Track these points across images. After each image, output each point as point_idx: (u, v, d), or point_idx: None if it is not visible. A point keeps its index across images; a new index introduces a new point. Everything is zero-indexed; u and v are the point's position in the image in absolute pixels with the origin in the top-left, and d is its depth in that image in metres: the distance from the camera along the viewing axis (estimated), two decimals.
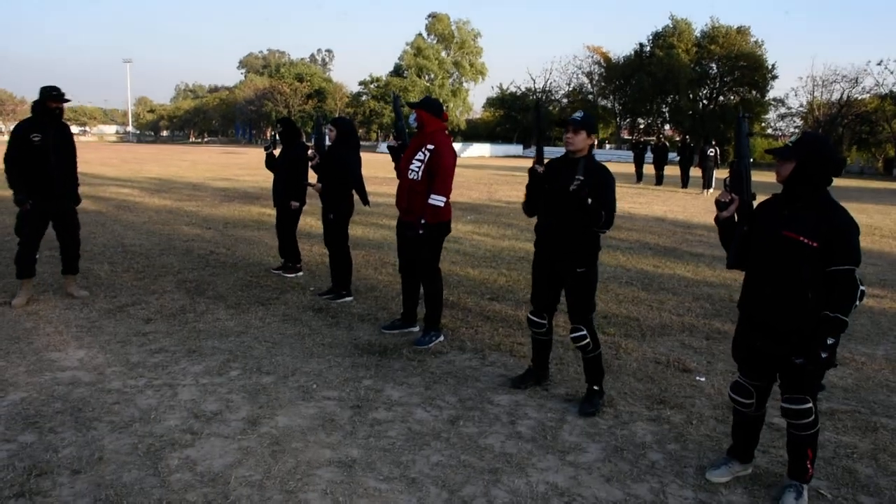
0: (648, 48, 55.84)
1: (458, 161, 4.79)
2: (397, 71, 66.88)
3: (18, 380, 3.93)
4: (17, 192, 5.32)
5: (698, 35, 54.50)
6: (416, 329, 5.06)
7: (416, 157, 4.61)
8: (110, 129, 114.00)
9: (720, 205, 2.95)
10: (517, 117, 62.81)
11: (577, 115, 3.66)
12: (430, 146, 4.58)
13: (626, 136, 61.36)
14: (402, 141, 4.99)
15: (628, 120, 61.61)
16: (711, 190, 19.15)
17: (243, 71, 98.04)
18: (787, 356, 2.76)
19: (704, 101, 55.72)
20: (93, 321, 5.12)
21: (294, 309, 5.63)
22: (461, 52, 67.73)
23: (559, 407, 3.80)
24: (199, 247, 8.39)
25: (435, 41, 67.42)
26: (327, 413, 3.62)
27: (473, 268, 7.55)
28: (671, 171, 23.34)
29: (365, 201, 6.06)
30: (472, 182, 21.28)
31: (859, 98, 46.61)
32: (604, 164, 3.69)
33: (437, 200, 4.56)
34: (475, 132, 66.94)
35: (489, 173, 27.18)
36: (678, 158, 22.61)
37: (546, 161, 3.79)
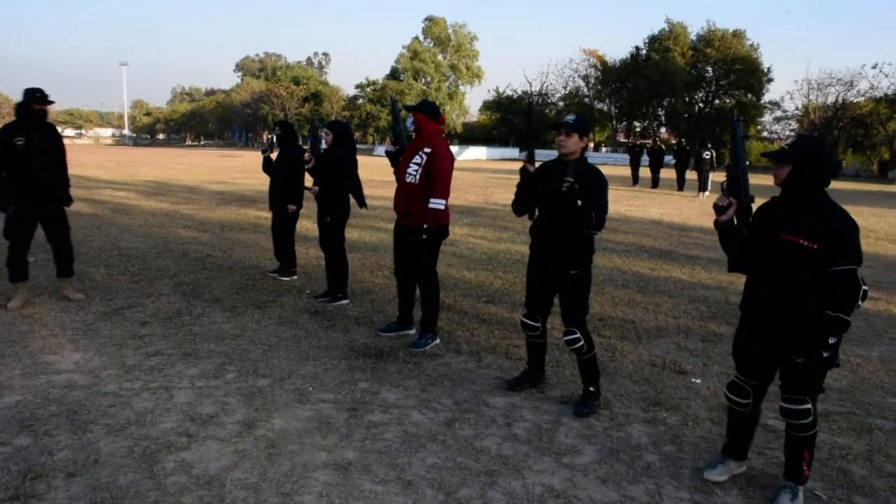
0: (644, 51, 55.98)
1: (455, 164, 4.80)
2: (394, 74, 66.97)
3: (14, 383, 3.92)
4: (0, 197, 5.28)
5: (694, 38, 54.68)
6: (413, 331, 5.06)
7: (414, 160, 4.62)
8: (106, 133, 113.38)
9: (718, 209, 2.96)
10: (513, 120, 62.83)
11: (570, 118, 3.68)
12: (427, 149, 4.59)
13: (622, 140, 61.49)
14: (399, 145, 4.98)
15: (624, 123, 61.69)
16: (707, 193, 19.17)
17: (240, 74, 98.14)
18: (788, 357, 2.77)
19: (700, 105, 55.84)
20: (88, 324, 5.11)
21: (290, 312, 5.63)
22: (458, 55, 67.90)
23: (555, 409, 3.81)
24: (196, 250, 8.38)
25: (431, 44, 67.55)
26: (323, 415, 3.62)
27: (470, 270, 7.55)
28: (667, 174, 23.39)
29: (362, 204, 6.06)
30: (469, 185, 21.28)
31: (854, 101, 46.79)
32: (597, 166, 3.71)
33: (437, 204, 4.56)
34: (471, 135, 66.92)
35: (485, 176, 27.19)
36: (674, 161, 22.65)
37: (538, 163, 3.82)
